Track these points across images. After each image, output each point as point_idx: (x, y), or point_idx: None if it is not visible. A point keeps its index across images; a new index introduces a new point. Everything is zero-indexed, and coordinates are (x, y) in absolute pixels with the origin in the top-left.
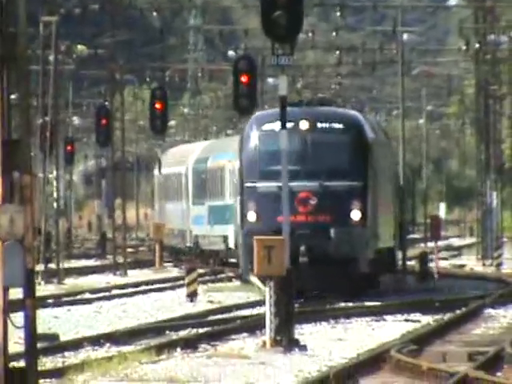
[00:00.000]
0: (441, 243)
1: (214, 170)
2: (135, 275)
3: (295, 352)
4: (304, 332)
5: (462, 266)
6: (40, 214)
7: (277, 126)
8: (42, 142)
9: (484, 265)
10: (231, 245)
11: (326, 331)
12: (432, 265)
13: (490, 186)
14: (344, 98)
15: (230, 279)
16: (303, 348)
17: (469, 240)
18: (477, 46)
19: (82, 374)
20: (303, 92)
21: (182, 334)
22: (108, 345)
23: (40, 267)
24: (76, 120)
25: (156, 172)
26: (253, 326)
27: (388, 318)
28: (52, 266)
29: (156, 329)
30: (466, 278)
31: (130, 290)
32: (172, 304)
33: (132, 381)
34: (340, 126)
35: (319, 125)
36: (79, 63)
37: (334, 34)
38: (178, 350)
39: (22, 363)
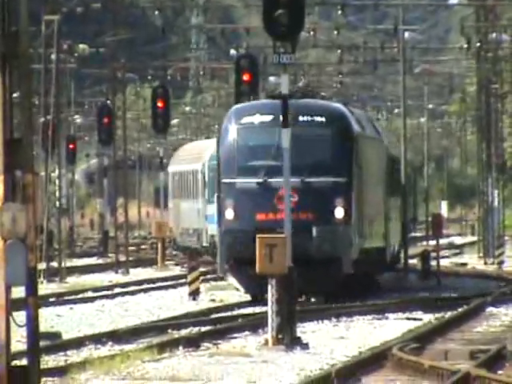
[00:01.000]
0: (442, 241)
1: None
2: (137, 274)
3: (297, 350)
4: (306, 330)
5: (464, 264)
6: (42, 212)
7: (256, 118)
8: (44, 141)
9: (485, 263)
10: None
11: (328, 329)
12: (434, 263)
13: (491, 185)
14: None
15: None
16: (305, 346)
17: (470, 238)
18: (478, 44)
19: (85, 372)
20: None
21: (184, 332)
22: (110, 343)
23: (42, 266)
24: (78, 119)
25: (169, 169)
26: (255, 324)
27: (390, 316)
28: (54, 264)
29: (158, 327)
30: (468, 276)
31: (132, 288)
32: (174, 302)
33: (134, 379)
34: (323, 118)
35: (301, 118)
36: (81, 62)
37: (335, 32)
38: (180, 348)
39: (24, 361)
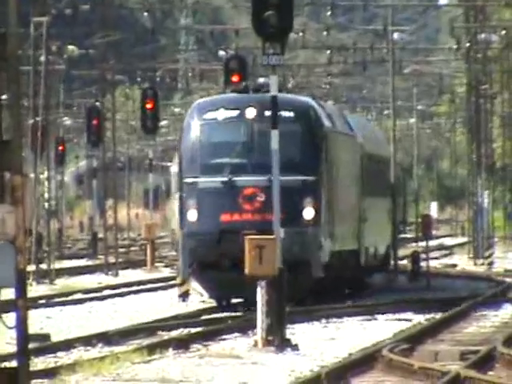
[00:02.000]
0: (432, 243)
1: None
2: (127, 275)
3: (287, 352)
4: (296, 332)
5: (454, 265)
6: (31, 214)
7: (220, 114)
8: (33, 143)
9: (475, 264)
10: None
11: (318, 331)
12: (424, 264)
13: (481, 186)
14: (335, 97)
15: None
16: (295, 347)
17: (460, 239)
18: (468, 44)
19: (74, 374)
20: (294, 91)
21: (174, 333)
22: (100, 345)
23: (31, 268)
24: (67, 120)
25: (172, 169)
26: (245, 325)
27: (380, 317)
28: (43, 266)
29: (148, 329)
30: (458, 277)
31: (122, 290)
32: (164, 304)
33: (124, 381)
34: (290, 114)
35: (267, 113)
36: (70, 63)
37: (324, 33)
38: (170, 350)
39: (13, 363)
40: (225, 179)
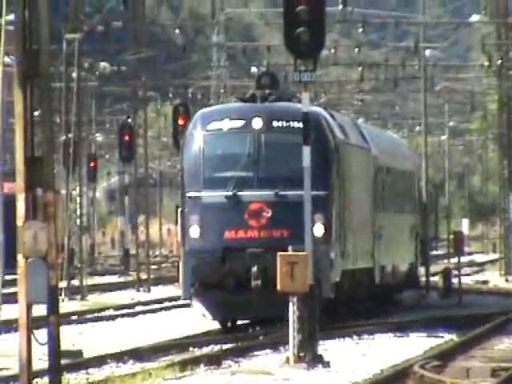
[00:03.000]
0: (464, 259)
1: None
2: (159, 292)
3: (319, 368)
4: (327, 348)
5: (485, 281)
6: (63, 230)
7: (225, 124)
8: (65, 159)
9: (507, 280)
10: None
11: (350, 347)
12: (455, 281)
13: None
14: (367, 113)
15: None
16: (327, 364)
17: (492, 256)
18: (499, 61)
19: None
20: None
21: (206, 350)
22: (132, 361)
23: (63, 284)
24: (99, 137)
25: None
26: (276, 342)
27: (411, 334)
28: (75, 282)
29: (180, 345)
30: (489, 293)
31: (154, 306)
32: (196, 320)
33: None
34: (300, 124)
35: (275, 123)
36: (102, 80)
37: (356, 50)
38: (202, 366)
39: (45, 380)
40: (229, 193)
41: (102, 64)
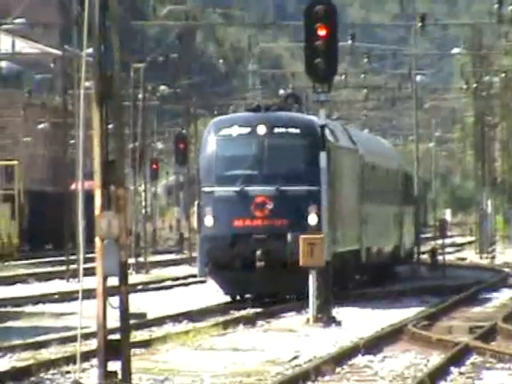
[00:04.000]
0: (447, 241)
1: None
2: None
3: (332, 327)
4: (340, 311)
5: (464, 258)
6: (131, 218)
7: (234, 131)
8: (133, 162)
9: (481, 258)
10: None
11: (358, 311)
12: (440, 258)
13: (485, 196)
14: (370, 126)
15: None
16: (339, 324)
17: (469, 238)
18: (475, 85)
19: (165, 344)
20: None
21: (243, 312)
22: (185, 321)
23: (131, 260)
24: (159, 145)
25: None
26: (299, 306)
27: (406, 300)
28: (141, 259)
29: (223, 308)
30: (467, 268)
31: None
32: None
33: (204, 350)
34: (297, 130)
35: (276, 130)
36: (162, 100)
37: (362, 76)
38: (241, 325)
39: (117, 336)
40: (238, 189)
41: (162, 87)
